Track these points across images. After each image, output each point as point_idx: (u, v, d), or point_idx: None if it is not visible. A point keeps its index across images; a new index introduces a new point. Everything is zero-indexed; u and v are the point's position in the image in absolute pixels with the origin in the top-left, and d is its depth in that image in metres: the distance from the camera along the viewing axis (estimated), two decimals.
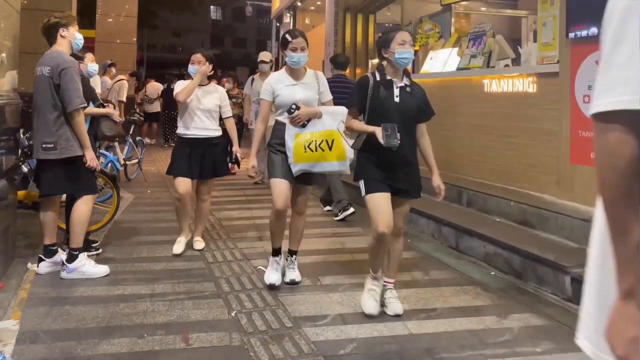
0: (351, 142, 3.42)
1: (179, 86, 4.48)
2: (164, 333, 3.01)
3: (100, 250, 4.45)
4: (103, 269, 3.93)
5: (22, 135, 4.43)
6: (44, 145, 3.75)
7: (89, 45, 5.40)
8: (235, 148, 4.60)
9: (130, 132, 8.18)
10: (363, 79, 3.31)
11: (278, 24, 16.14)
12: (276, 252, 3.84)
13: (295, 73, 3.69)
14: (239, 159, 4.63)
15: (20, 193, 4.45)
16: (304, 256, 4.46)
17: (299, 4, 13.34)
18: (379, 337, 3.01)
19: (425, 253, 4.70)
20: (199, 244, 4.63)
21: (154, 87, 13.27)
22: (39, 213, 4.00)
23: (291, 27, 14.20)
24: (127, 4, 16.15)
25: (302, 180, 3.69)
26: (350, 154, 3.55)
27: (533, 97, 4.92)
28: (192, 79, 4.46)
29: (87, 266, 3.87)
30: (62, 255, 3.93)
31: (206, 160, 4.47)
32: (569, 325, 3.19)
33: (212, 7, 46.48)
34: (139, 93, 13.56)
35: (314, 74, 3.75)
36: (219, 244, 4.83)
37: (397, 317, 3.25)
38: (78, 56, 4.35)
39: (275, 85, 3.66)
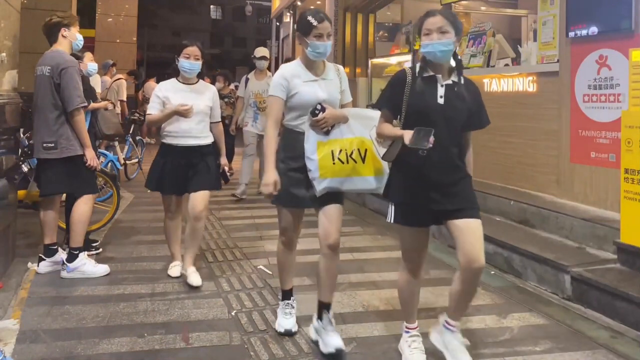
0: (383, 151, 2.73)
1: (159, 93, 3.78)
2: (164, 332, 3.01)
3: (101, 249, 4.45)
4: (103, 269, 3.93)
5: (22, 135, 4.44)
6: (44, 145, 3.76)
7: (89, 45, 5.41)
8: (223, 160, 3.97)
9: (131, 132, 8.18)
10: (398, 74, 2.62)
11: (278, 24, 16.14)
12: (287, 294, 3.11)
13: (314, 66, 2.88)
14: (227, 173, 4.00)
15: (21, 192, 4.45)
16: (304, 256, 4.46)
17: (299, 3, 13.33)
18: (379, 336, 3.01)
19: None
20: (195, 276, 3.70)
21: (152, 87, 13.25)
22: (39, 212, 4.00)
23: (291, 27, 14.19)
24: (127, 4, 16.17)
25: (327, 200, 2.81)
26: (387, 167, 2.80)
27: (533, 97, 4.92)
28: (179, 76, 3.82)
29: (87, 265, 3.87)
30: (62, 255, 3.93)
31: (194, 169, 3.77)
32: (569, 324, 3.19)
33: (212, 6, 46.48)
34: (139, 92, 13.56)
35: (334, 68, 2.97)
36: (219, 243, 4.83)
37: (397, 316, 3.24)
38: (77, 55, 4.35)
39: (291, 81, 2.82)
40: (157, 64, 29.76)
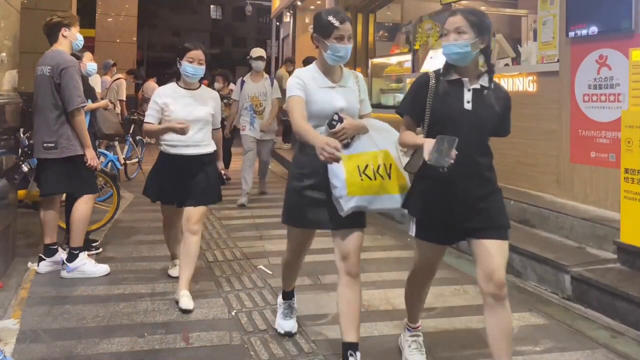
0: (405, 160, 2.51)
1: (157, 99, 3.53)
2: (164, 332, 3.01)
3: (101, 249, 4.45)
4: (103, 268, 3.93)
5: (22, 135, 4.44)
6: (44, 145, 3.76)
7: (89, 45, 5.41)
8: (220, 165, 3.77)
9: (131, 132, 8.18)
10: (421, 78, 2.43)
11: (278, 23, 16.15)
12: (289, 295, 3.07)
13: (331, 72, 2.65)
14: (223, 177, 3.76)
15: (21, 192, 4.45)
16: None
17: (299, 3, 13.34)
18: (380, 336, 3.01)
19: None
20: (187, 300, 3.32)
21: (151, 87, 13.27)
22: (40, 212, 4.00)
23: (291, 27, 14.19)
24: (127, 4, 16.17)
25: (349, 222, 2.52)
26: (409, 181, 2.55)
27: (533, 96, 4.92)
28: (179, 80, 3.58)
29: (87, 265, 3.87)
30: (62, 255, 3.93)
31: (194, 181, 3.52)
32: (569, 324, 3.19)
33: (212, 6, 46.50)
34: (139, 92, 13.57)
35: (352, 75, 2.73)
36: (219, 243, 4.83)
37: (398, 316, 3.24)
38: (77, 55, 4.35)
39: (308, 85, 2.58)
40: (157, 64, 29.80)
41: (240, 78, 6.96)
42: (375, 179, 2.47)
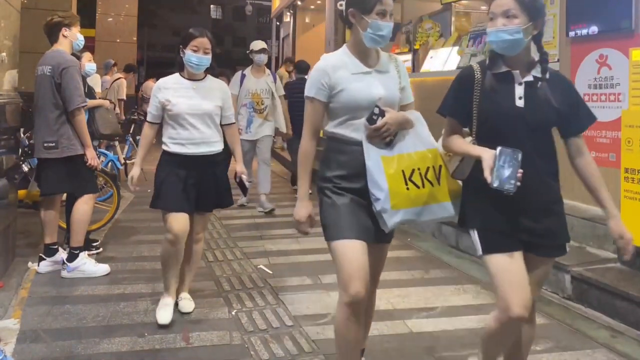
0: (451, 167, 2.18)
1: (158, 94, 3.19)
2: (165, 332, 3.01)
3: (101, 249, 4.45)
4: (103, 268, 3.93)
5: (22, 135, 4.44)
6: (45, 144, 3.76)
7: (89, 45, 5.41)
8: (240, 168, 3.34)
9: (131, 132, 8.18)
10: (465, 72, 2.11)
11: (278, 23, 16.15)
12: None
13: (367, 55, 2.22)
14: (246, 183, 3.37)
15: (21, 192, 4.45)
16: (304, 255, 4.47)
17: (299, 3, 13.34)
18: (380, 335, 3.01)
19: (426, 252, 4.70)
20: (188, 303, 3.31)
21: (150, 87, 13.27)
22: (40, 212, 4.00)
23: (291, 27, 14.18)
24: (127, 3, 16.17)
25: (376, 236, 2.19)
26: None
27: None
28: (184, 71, 3.23)
29: (87, 265, 3.87)
30: (62, 255, 3.94)
31: (205, 185, 3.19)
32: (569, 324, 3.19)
33: (212, 6, 46.54)
34: (139, 92, 13.57)
35: (390, 59, 2.30)
36: (219, 243, 4.83)
37: (398, 316, 3.25)
38: (76, 55, 4.35)
39: (335, 74, 2.15)
40: (157, 64, 29.82)
41: (240, 71, 6.42)
42: (423, 186, 2.12)
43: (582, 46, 4.42)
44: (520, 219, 1.99)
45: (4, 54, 4.00)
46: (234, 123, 3.41)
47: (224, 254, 4.49)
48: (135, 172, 3.24)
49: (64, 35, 3.94)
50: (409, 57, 7.37)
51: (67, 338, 2.91)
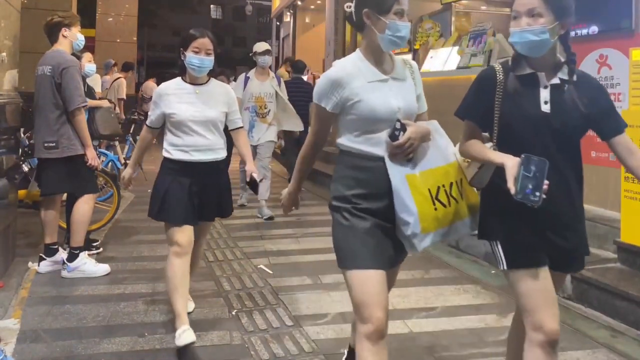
0: (468, 173, 2.04)
1: (158, 100, 2.99)
2: (165, 332, 3.01)
3: (101, 249, 4.45)
4: (103, 268, 3.93)
5: (22, 135, 4.44)
6: (45, 144, 3.76)
7: (89, 45, 5.40)
8: (250, 167, 3.12)
9: (131, 132, 8.18)
10: (486, 73, 1.96)
11: (278, 23, 16.16)
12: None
13: (382, 60, 2.05)
14: (258, 182, 3.14)
15: (21, 192, 4.45)
16: (304, 255, 4.47)
17: (299, 2, 13.35)
18: None
19: (426, 252, 4.66)
20: (188, 303, 3.14)
21: (150, 87, 13.27)
22: (40, 212, 4.00)
23: (291, 27, 14.19)
24: (127, 3, 16.17)
25: (396, 260, 2.07)
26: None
27: None
28: (185, 75, 3.04)
29: (87, 265, 3.87)
30: (62, 254, 3.94)
31: (209, 194, 3.00)
32: (569, 324, 3.20)
33: (212, 6, 46.55)
34: (139, 92, 13.57)
35: (405, 64, 2.14)
36: (220, 243, 4.83)
37: (398, 316, 3.25)
38: (77, 55, 4.36)
39: (351, 84, 1.96)
40: (157, 64, 29.84)
41: (244, 74, 6.16)
42: (449, 204, 1.96)
43: (582, 46, 4.42)
44: (547, 231, 1.86)
45: (4, 54, 4.00)
46: (242, 127, 3.22)
47: (224, 254, 4.49)
48: (127, 172, 3.17)
49: (63, 36, 3.94)
50: (409, 57, 7.36)
51: (67, 338, 2.91)
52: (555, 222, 1.86)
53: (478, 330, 3.08)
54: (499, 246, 1.90)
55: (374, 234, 1.93)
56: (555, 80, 1.87)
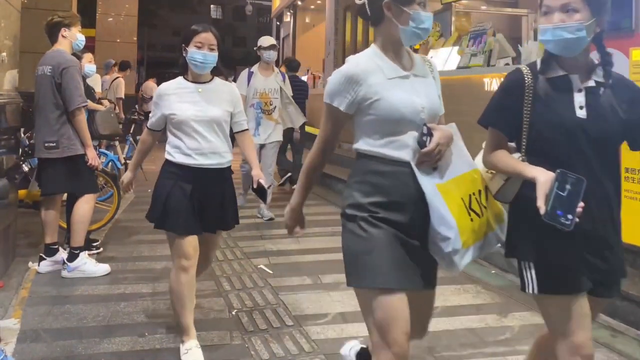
0: (492, 186, 1.86)
1: (159, 101, 2.82)
2: (165, 332, 3.02)
3: (101, 249, 4.46)
4: (104, 268, 3.94)
5: (22, 135, 4.44)
6: (46, 144, 3.77)
7: (89, 45, 5.38)
8: (257, 172, 2.89)
9: (131, 131, 8.19)
10: (513, 76, 1.79)
11: (278, 23, 16.14)
12: None
13: (400, 56, 1.87)
14: (266, 189, 2.99)
15: (21, 192, 4.45)
16: (305, 255, 4.47)
17: (299, 2, 13.34)
18: None
19: None
20: None
21: (150, 87, 13.28)
22: (41, 212, 4.01)
23: (291, 27, 14.18)
24: (127, 3, 16.17)
25: (425, 282, 1.82)
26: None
27: None
28: (187, 74, 2.85)
29: (87, 265, 3.88)
30: (63, 254, 3.94)
31: (212, 203, 2.80)
32: None
33: (212, 6, 46.55)
34: (139, 92, 13.57)
35: (424, 61, 1.97)
36: (220, 243, 4.83)
37: None
38: (77, 55, 4.36)
39: (368, 81, 1.77)
40: (157, 64, 29.85)
41: (247, 69, 5.86)
42: (482, 214, 1.79)
43: None
44: (586, 252, 1.69)
45: (4, 54, 4.00)
46: (247, 129, 3.01)
47: (224, 254, 4.49)
48: (127, 176, 3.00)
49: (63, 36, 3.94)
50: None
51: (68, 338, 2.91)
52: (596, 242, 1.70)
53: (478, 330, 3.09)
54: (532, 269, 1.71)
55: (397, 249, 1.71)
56: (590, 83, 1.72)
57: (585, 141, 1.66)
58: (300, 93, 6.92)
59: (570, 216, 1.50)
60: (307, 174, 1.94)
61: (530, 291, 1.72)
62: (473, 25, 6.39)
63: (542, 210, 1.53)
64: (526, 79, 1.74)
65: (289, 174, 7.35)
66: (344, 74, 1.79)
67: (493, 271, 4.14)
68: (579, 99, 1.70)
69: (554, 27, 1.66)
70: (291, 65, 7.72)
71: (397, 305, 1.70)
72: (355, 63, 1.82)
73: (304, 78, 12.52)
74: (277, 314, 3.28)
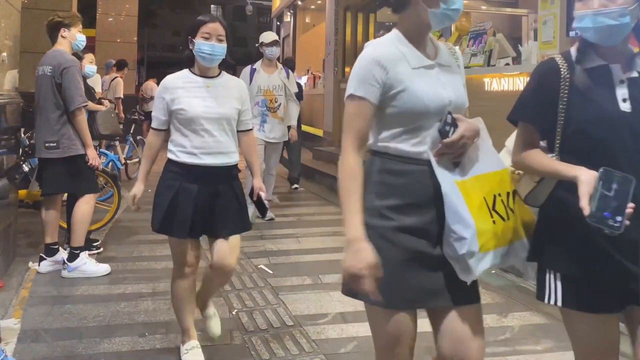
0: (521, 189, 1.69)
1: (165, 94, 2.61)
2: (165, 332, 3.02)
3: (101, 249, 4.46)
4: (104, 268, 3.94)
5: (22, 135, 4.45)
6: (46, 144, 3.77)
7: (89, 45, 5.37)
8: (258, 183, 2.74)
9: (131, 131, 8.20)
10: (546, 65, 1.64)
11: (278, 23, 16.15)
12: None
13: (423, 44, 1.67)
14: (265, 202, 2.86)
15: (22, 192, 4.46)
16: (305, 255, 4.47)
17: (299, 2, 13.34)
18: None
19: None
20: (216, 321, 2.90)
21: (150, 87, 13.27)
22: (41, 212, 4.01)
23: (291, 27, 14.19)
24: (128, 3, 16.16)
25: (467, 293, 1.62)
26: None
27: None
28: (194, 67, 2.66)
29: (88, 265, 3.88)
30: (63, 254, 3.94)
31: (221, 204, 2.59)
32: None
33: (212, 6, 46.45)
34: (139, 92, 13.57)
35: (449, 49, 1.76)
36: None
37: None
38: (78, 56, 4.36)
39: (394, 68, 1.58)
40: (157, 64, 29.86)
41: (250, 66, 5.62)
42: (508, 218, 1.59)
43: None
44: (625, 262, 1.49)
45: (4, 54, 4.00)
46: (251, 130, 2.81)
47: None
48: (137, 190, 2.69)
49: (62, 36, 3.94)
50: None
51: (68, 338, 2.91)
52: (632, 251, 1.50)
53: None
54: (559, 280, 1.56)
55: (411, 265, 1.55)
56: (633, 74, 1.55)
57: (630, 137, 1.51)
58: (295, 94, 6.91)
59: (619, 218, 1.35)
60: (352, 180, 1.55)
61: (552, 303, 1.59)
62: (473, 25, 6.39)
63: (587, 212, 1.38)
64: (561, 69, 1.57)
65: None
66: (366, 59, 1.58)
67: (493, 271, 4.13)
68: (622, 90, 1.54)
69: (594, 13, 1.49)
70: (288, 65, 7.70)
71: (405, 329, 1.60)
72: (377, 48, 1.62)
73: (304, 78, 12.46)
74: (277, 314, 3.28)
